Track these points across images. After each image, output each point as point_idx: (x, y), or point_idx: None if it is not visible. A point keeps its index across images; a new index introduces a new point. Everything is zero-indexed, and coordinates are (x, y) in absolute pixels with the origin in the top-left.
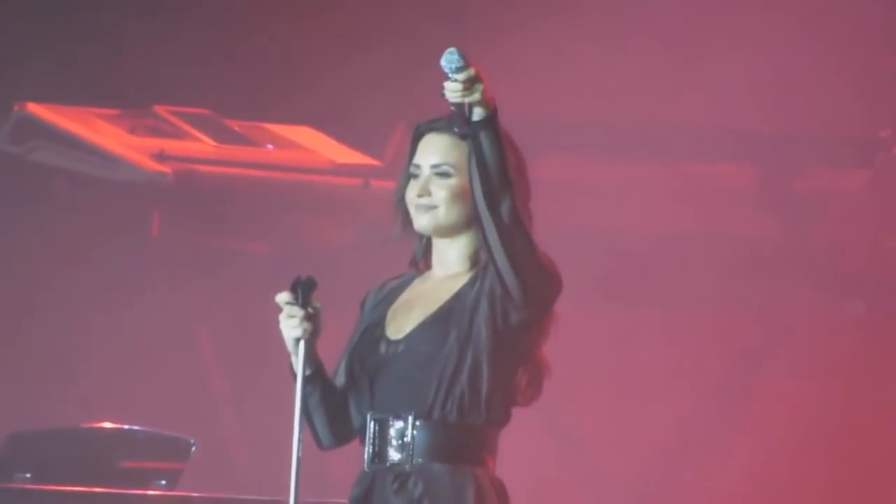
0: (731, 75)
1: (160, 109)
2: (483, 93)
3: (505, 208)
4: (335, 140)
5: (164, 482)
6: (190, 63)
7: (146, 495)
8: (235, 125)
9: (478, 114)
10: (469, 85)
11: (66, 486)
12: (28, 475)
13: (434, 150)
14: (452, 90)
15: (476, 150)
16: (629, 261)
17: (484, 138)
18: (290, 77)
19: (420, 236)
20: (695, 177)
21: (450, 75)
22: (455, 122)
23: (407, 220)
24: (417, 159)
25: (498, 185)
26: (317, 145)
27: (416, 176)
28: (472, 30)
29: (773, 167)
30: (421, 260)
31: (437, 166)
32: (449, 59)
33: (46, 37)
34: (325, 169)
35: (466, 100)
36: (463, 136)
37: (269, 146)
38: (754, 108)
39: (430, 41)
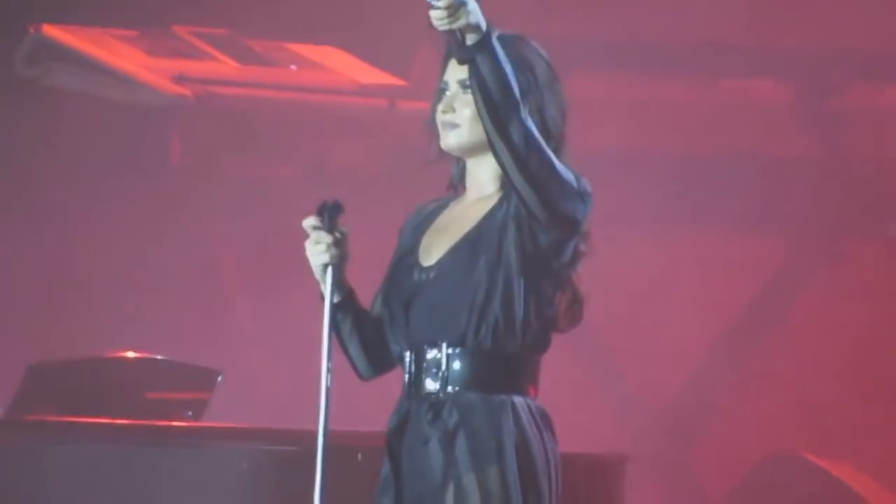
0: None
1: (179, 30)
2: (469, 15)
3: (515, 129)
4: (360, 59)
5: (190, 413)
6: None
7: (171, 426)
8: (257, 45)
9: (470, 38)
10: (452, 11)
11: (89, 417)
12: (50, 407)
13: (462, 66)
14: (437, 18)
15: (475, 75)
16: (664, 182)
17: (481, 61)
18: None
19: (457, 158)
20: (730, 94)
21: (432, 3)
22: (453, 49)
23: None
24: (446, 76)
25: (504, 106)
26: (341, 65)
27: (444, 93)
28: None
29: (810, 82)
30: (459, 183)
31: (463, 81)
32: None
33: None
34: (350, 90)
35: (453, 26)
36: (461, 62)
37: (292, 66)
38: (790, 21)
39: None
